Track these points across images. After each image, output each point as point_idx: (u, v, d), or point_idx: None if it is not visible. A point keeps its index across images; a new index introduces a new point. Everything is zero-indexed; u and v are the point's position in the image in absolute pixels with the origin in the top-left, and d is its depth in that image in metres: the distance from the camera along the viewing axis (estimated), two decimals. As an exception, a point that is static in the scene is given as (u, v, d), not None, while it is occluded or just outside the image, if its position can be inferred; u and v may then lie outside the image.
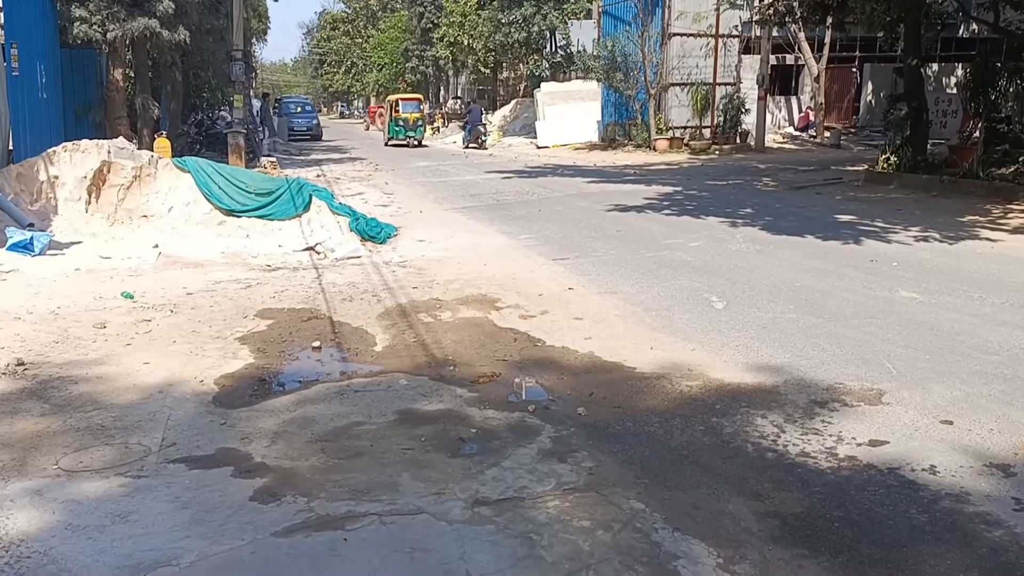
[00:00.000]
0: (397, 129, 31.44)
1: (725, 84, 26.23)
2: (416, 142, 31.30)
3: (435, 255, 9.59)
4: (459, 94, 57.09)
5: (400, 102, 32.09)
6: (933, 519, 3.48)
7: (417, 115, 31.58)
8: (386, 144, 32.13)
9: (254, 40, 46.57)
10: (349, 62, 73.70)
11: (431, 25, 49.90)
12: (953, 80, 25.87)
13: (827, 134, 26.00)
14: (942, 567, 3.15)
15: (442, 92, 60.38)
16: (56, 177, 10.47)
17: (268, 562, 3.25)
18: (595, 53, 28.74)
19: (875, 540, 3.32)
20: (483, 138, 30.73)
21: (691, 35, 25.58)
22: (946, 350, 5.69)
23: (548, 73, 36.09)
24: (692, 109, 26.18)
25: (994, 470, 3.90)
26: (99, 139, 11.74)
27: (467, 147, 30.30)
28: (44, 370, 5.43)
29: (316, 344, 6.10)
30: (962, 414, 4.56)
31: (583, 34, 35.70)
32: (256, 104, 31.19)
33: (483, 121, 32.44)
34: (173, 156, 13.61)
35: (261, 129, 29.56)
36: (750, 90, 25.49)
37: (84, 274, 8.48)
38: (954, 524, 3.44)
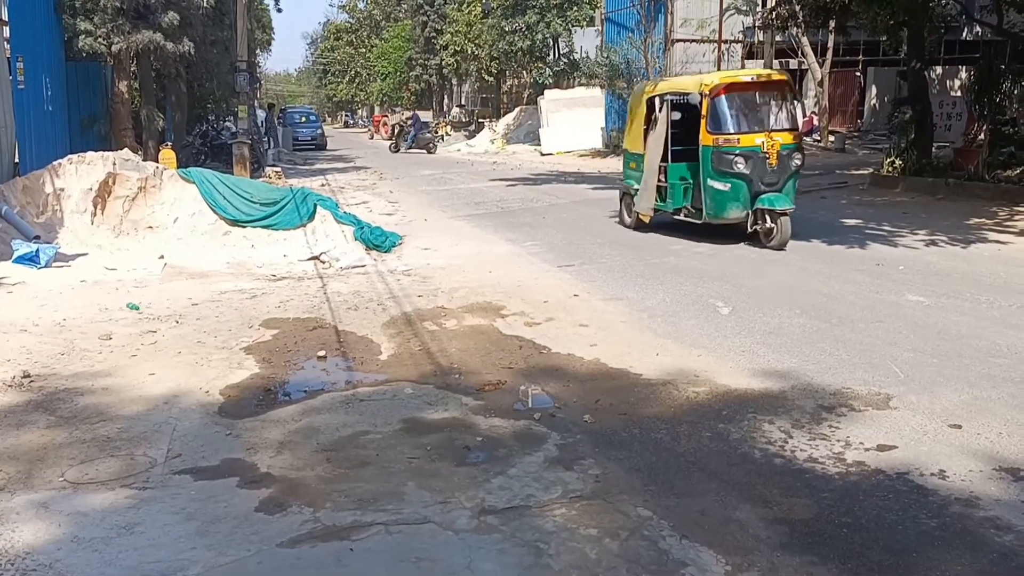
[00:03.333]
0: (721, 192, 9.98)
1: (729, 89, 26.16)
2: (778, 219, 9.81)
3: (440, 263, 9.59)
4: (463, 102, 57.23)
5: (733, 96, 10.01)
6: (943, 524, 3.46)
7: (788, 137, 10.15)
8: (633, 224, 11.53)
9: (258, 51, 46.88)
10: (353, 72, 73.93)
11: (435, 34, 50.06)
12: (957, 83, 25.79)
13: (831, 138, 25.92)
14: (952, 572, 3.12)
15: (446, 101, 60.54)
16: (62, 189, 10.51)
17: (274, 573, 3.24)
18: (598, 60, 28.76)
19: (885, 546, 3.30)
20: (432, 145, 33.15)
21: (694, 41, 25.60)
22: (954, 354, 5.66)
23: (552, 80, 36.09)
24: (696, 114, 26.11)
25: (1004, 474, 3.88)
26: (104, 151, 11.80)
27: (407, 150, 32.78)
28: (50, 382, 5.44)
29: (321, 353, 6.10)
30: (971, 418, 4.53)
31: (586, 41, 35.71)
32: (261, 114, 31.16)
33: (430, 129, 35.27)
34: (178, 167, 13.63)
35: (266, 139, 29.60)
36: (754, 95, 25.41)
37: (90, 286, 8.50)
38: (964, 529, 3.41)
